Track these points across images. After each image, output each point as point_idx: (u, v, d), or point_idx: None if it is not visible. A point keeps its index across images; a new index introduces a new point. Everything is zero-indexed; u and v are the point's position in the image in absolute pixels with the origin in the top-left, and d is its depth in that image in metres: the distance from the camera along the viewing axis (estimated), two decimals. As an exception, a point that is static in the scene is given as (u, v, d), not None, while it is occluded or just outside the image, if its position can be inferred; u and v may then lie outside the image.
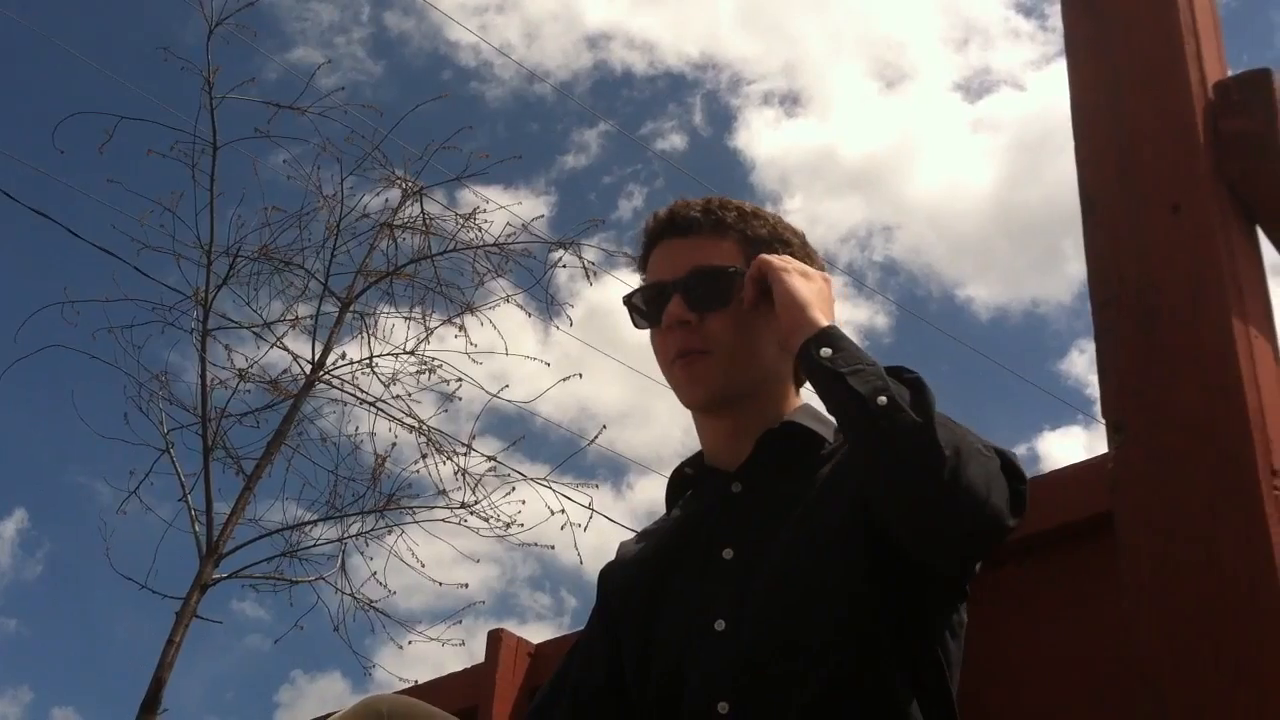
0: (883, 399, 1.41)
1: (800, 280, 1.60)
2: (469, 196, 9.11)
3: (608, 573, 1.81)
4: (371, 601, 8.11)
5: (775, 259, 1.63)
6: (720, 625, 1.54)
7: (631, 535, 1.88)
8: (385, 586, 8.05)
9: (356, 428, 8.60)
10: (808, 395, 1.79)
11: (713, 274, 1.67)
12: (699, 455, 1.78)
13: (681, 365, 1.68)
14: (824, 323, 1.55)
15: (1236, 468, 1.09)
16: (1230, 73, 1.32)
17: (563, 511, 8.05)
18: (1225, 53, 1.36)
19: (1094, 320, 1.21)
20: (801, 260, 1.70)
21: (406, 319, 8.70)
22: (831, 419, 1.72)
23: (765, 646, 1.50)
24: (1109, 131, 1.28)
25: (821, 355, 1.50)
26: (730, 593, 1.57)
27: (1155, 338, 1.17)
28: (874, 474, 1.43)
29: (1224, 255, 1.17)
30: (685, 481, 1.78)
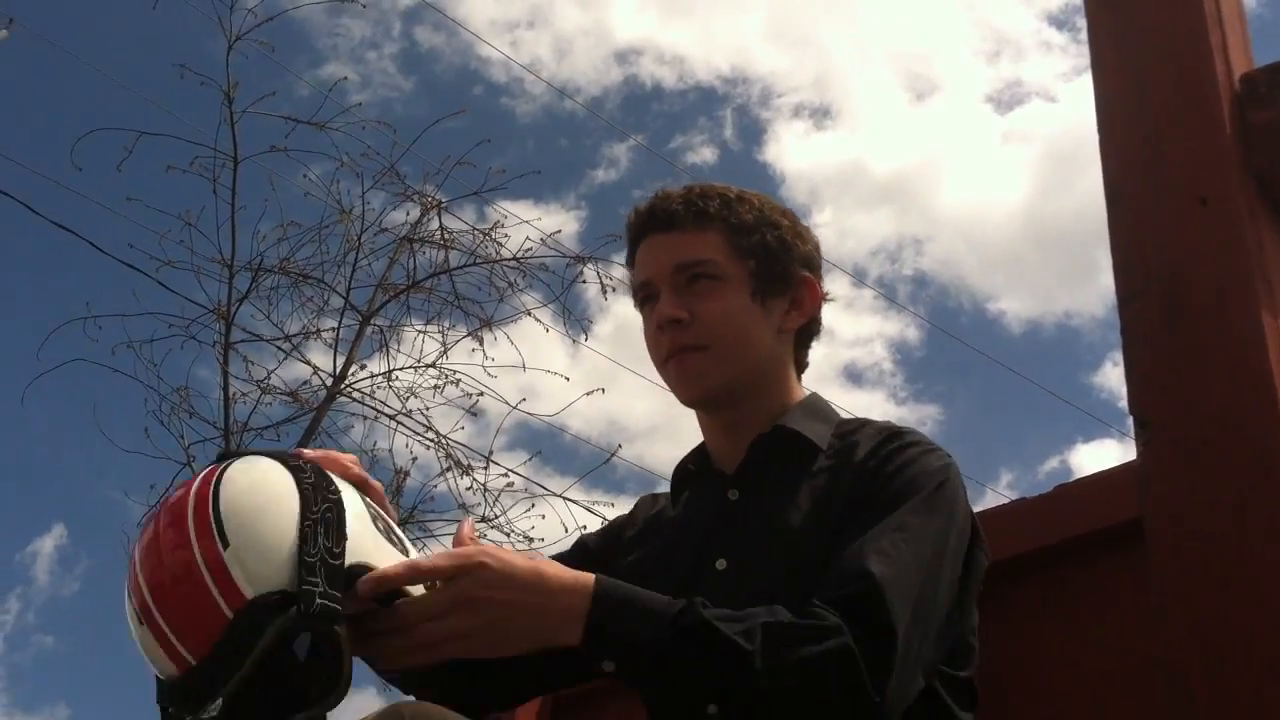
0: (712, 709, 1.25)
1: (469, 618, 1.24)
2: (502, 210, 9.13)
3: (619, 527, 1.81)
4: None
5: (446, 611, 1.24)
6: None
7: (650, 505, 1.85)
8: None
9: (375, 442, 8.61)
10: (810, 382, 1.76)
11: (699, 267, 1.64)
12: (702, 448, 1.76)
13: (677, 362, 1.65)
14: (569, 630, 1.25)
15: (1266, 463, 1.06)
16: (1257, 65, 1.30)
17: (583, 528, 8.02)
18: (1253, 46, 1.34)
19: (1120, 314, 1.19)
20: (792, 240, 1.67)
21: (420, 333, 8.71)
22: (830, 416, 1.69)
23: None
24: (1135, 123, 1.26)
25: (606, 670, 1.26)
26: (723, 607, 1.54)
27: (1182, 332, 1.15)
28: None
29: (1252, 247, 1.15)
30: (688, 476, 1.76)
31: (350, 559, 1.19)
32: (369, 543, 1.25)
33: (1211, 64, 1.25)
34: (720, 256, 1.63)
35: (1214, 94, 1.23)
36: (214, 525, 1.18)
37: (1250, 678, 0.99)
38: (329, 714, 1.19)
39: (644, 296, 1.68)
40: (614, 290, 8.51)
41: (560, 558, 1.76)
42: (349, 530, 1.21)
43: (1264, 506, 1.04)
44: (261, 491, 1.22)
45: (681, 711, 1.27)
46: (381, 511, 1.34)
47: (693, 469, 1.75)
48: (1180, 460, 1.10)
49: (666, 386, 1.70)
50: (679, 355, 1.63)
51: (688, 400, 1.69)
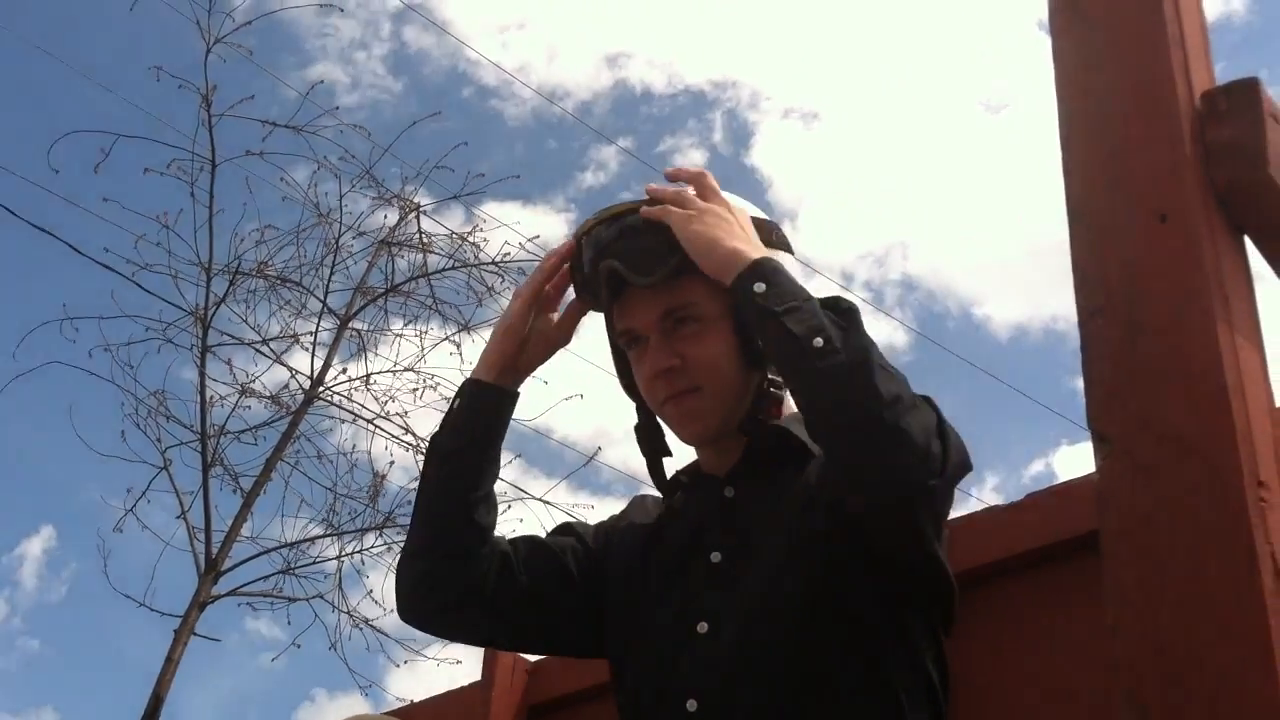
0: (819, 340, 1.41)
1: (711, 219, 1.59)
2: (484, 214, 9.13)
3: (609, 527, 1.84)
4: (368, 620, 8.09)
5: (674, 209, 1.62)
6: (703, 628, 1.56)
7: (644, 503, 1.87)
8: (379, 604, 8.03)
9: (354, 445, 8.60)
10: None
11: (683, 311, 1.65)
12: (695, 464, 1.79)
13: (673, 405, 1.68)
14: (754, 255, 1.55)
15: (1222, 479, 1.08)
16: (1232, 77, 1.31)
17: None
18: (1214, 64, 1.36)
19: (1080, 330, 1.20)
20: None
21: (399, 336, 8.70)
22: None
23: (739, 648, 1.51)
24: (1096, 141, 1.27)
25: (755, 291, 1.50)
26: (715, 597, 1.58)
27: (1141, 348, 1.16)
28: (812, 415, 1.44)
29: (1211, 264, 1.17)
30: (681, 486, 1.79)
31: None
32: None
33: (1172, 82, 1.26)
34: (699, 297, 1.65)
35: (1174, 111, 1.25)
36: None
37: (1204, 691, 1.00)
38: None
39: (628, 340, 1.71)
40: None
41: (551, 534, 1.81)
42: None
43: (1218, 523, 1.06)
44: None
45: (795, 343, 1.44)
46: None
47: (685, 480, 1.77)
48: (1137, 476, 1.12)
49: (664, 423, 1.73)
50: (675, 399, 1.67)
51: (688, 440, 1.73)
